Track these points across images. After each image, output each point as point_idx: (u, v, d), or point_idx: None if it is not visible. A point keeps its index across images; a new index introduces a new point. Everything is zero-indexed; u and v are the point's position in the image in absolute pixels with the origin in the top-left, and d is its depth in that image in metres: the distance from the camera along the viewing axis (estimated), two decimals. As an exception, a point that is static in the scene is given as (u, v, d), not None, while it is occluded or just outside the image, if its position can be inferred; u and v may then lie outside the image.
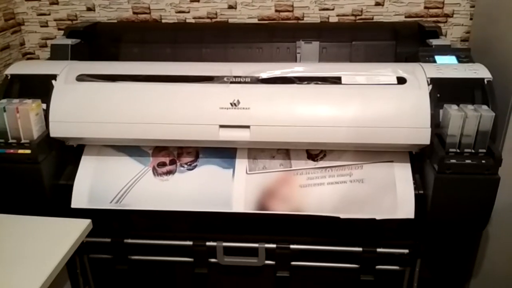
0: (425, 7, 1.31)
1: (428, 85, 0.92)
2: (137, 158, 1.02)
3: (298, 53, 1.20)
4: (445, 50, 1.05)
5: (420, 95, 0.91)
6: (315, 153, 1.00)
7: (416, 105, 0.90)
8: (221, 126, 0.94)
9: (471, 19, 1.31)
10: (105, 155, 1.03)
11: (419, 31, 1.18)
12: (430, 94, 0.91)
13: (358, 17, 1.35)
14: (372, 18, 1.34)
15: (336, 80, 0.96)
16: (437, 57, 1.03)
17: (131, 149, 1.03)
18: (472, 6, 1.29)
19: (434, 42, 1.09)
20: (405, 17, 1.33)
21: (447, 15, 1.32)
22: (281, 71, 0.98)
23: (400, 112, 0.91)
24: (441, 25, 1.31)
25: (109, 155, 1.03)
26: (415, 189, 0.95)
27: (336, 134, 0.92)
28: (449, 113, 0.88)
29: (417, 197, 0.94)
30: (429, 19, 1.32)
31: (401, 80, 0.94)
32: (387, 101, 0.92)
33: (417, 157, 0.97)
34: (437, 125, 0.91)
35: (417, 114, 0.90)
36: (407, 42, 1.17)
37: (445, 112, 0.90)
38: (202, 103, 0.95)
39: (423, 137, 0.90)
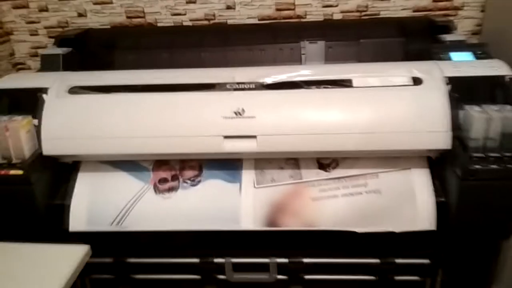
0: (434, 0, 1.25)
1: (446, 85, 0.86)
2: (136, 174, 0.96)
3: (303, 54, 1.13)
4: (460, 46, 0.99)
5: (438, 96, 0.85)
6: (326, 162, 0.93)
7: (435, 107, 0.84)
8: (226, 137, 0.87)
9: (482, 11, 1.24)
10: (102, 172, 0.97)
11: (430, 26, 1.11)
12: (449, 94, 0.85)
13: (363, 13, 1.28)
14: (379, 14, 1.27)
15: (347, 83, 0.89)
16: (452, 54, 0.96)
17: (130, 164, 0.96)
18: (483, -3, 1.23)
19: (448, 37, 1.03)
20: (413, 11, 1.27)
21: (457, 8, 1.25)
22: (287, 75, 0.92)
23: (417, 115, 0.84)
24: (451, 18, 1.24)
25: (107, 171, 0.97)
26: (435, 196, 0.89)
27: (349, 141, 0.86)
28: (471, 115, 0.82)
29: (438, 205, 0.88)
30: (438, 12, 1.25)
31: (417, 81, 0.88)
32: (402, 104, 0.85)
33: (436, 162, 0.91)
34: (457, 128, 0.84)
35: (436, 116, 0.84)
36: (417, 38, 1.11)
37: (466, 114, 0.84)
38: (204, 113, 0.89)
39: (443, 141, 0.84)
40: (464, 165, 0.81)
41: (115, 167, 0.97)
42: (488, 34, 1.18)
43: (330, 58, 1.14)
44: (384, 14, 1.27)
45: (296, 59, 1.15)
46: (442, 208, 0.88)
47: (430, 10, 1.25)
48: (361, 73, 0.91)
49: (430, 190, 0.89)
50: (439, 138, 0.84)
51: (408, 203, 0.89)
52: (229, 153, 0.88)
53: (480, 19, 1.25)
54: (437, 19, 1.11)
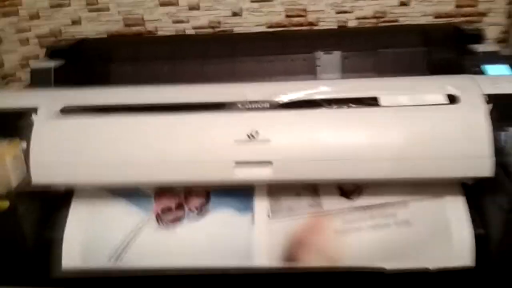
0: (457, 6, 1.16)
1: (486, 103, 0.76)
2: (137, 202, 0.86)
3: (318, 66, 1.04)
4: (495, 58, 0.89)
5: (478, 117, 0.75)
6: (349, 189, 0.84)
7: (475, 129, 0.74)
8: (237, 163, 0.77)
9: (509, 17, 1.15)
10: (98, 200, 0.87)
11: (456, 34, 1.02)
12: (490, 114, 0.75)
13: (380, 20, 1.18)
14: (397, 21, 1.18)
15: (372, 102, 0.80)
16: (486, 67, 0.87)
17: (130, 191, 0.86)
18: (510, 3, 1.14)
19: (479, 48, 0.93)
20: (434, 17, 1.17)
21: (481, 14, 1.16)
22: (305, 92, 0.82)
23: (455, 138, 0.75)
24: (476, 25, 1.15)
25: (104, 199, 0.87)
26: (473, 228, 0.79)
27: (378, 169, 0.76)
28: (517, 139, 0.72)
29: (477, 238, 0.78)
30: (461, 19, 1.16)
31: (452, 99, 0.78)
32: (438, 126, 0.76)
33: (472, 188, 0.81)
34: (499, 152, 0.75)
35: (476, 140, 0.74)
36: (442, 48, 1.01)
37: (511, 137, 0.74)
38: (213, 136, 0.79)
39: (484, 168, 0.74)
40: (510, 195, 0.72)
41: (113, 194, 0.87)
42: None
43: (346, 69, 1.04)
44: (403, 21, 1.18)
45: (310, 72, 1.05)
46: (481, 242, 0.78)
47: (452, 16, 1.16)
48: (388, 90, 0.81)
49: (467, 221, 0.80)
50: (481, 165, 0.74)
51: (443, 236, 0.79)
52: (241, 180, 0.78)
53: (507, 26, 1.16)
54: (464, 27, 1.01)
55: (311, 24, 1.20)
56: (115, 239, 0.83)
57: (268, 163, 0.77)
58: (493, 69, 0.86)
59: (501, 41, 1.18)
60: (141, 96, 0.87)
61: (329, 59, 1.04)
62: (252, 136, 0.77)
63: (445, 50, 1.01)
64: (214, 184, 0.83)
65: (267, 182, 0.82)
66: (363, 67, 1.04)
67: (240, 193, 0.85)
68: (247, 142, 0.77)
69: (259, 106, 0.80)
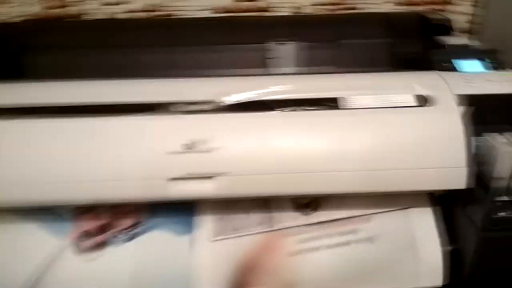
0: (420, -8, 1.06)
1: (458, 105, 0.67)
2: (51, 226, 0.70)
3: (269, 58, 0.91)
4: (466, 52, 0.80)
5: (451, 122, 0.65)
6: (305, 202, 0.72)
7: (447, 136, 0.64)
8: (171, 179, 0.64)
9: (473, 5, 1.07)
10: (5, 223, 0.71)
11: (422, 24, 0.92)
12: (463, 118, 0.65)
13: (338, 6, 1.07)
14: (355, 8, 1.07)
15: (332, 104, 0.68)
16: (456, 63, 0.77)
17: (43, 212, 0.71)
18: (476, -10, 1.05)
19: (448, 40, 0.84)
20: (395, 4, 1.07)
21: (446, 2, 1.07)
22: (254, 92, 0.69)
23: (426, 146, 0.64)
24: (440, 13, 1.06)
25: (11, 223, 0.71)
26: (442, 244, 0.70)
27: (338, 182, 0.65)
28: (494, 147, 0.63)
29: (446, 255, 0.69)
30: (425, 7, 1.07)
31: (422, 100, 0.68)
32: (406, 132, 0.65)
33: (442, 200, 0.72)
34: (474, 162, 0.65)
35: (450, 148, 0.64)
36: (407, 39, 0.91)
37: (487, 146, 0.65)
38: (141, 146, 0.64)
39: (458, 179, 0.65)
40: (486, 212, 0.63)
41: (22, 217, 0.71)
42: (484, 33, 1.01)
43: (302, 62, 0.92)
44: (361, 8, 1.07)
45: (260, 64, 0.92)
46: (451, 260, 0.69)
47: (416, 4, 1.06)
48: (349, 89, 0.70)
49: (435, 236, 0.71)
50: (454, 176, 0.64)
51: (410, 254, 0.70)
52: (177, 198, 0.65)
53: (471, 15, 1.07)
54: (430, 16, 0.91)
55: (261, 9, 1.07)
56: (23, 273, 0.68)
57: (209, 178, 0.64)
58: (465, 65, 0.76)
59: (466, 31, 1.09)
60: (55, 95, 0.71)
61: (283, 50, 0.92)
62: (189, 146, 0.64)
63: (411, 42, 0.90)
64: (143, 201, 0.68)
65: (207, 200, 0.69)
66: (321, 60, 0.92)
67: (178, 211, 0.72)
68: (183, 154, 0.63)
69: (198, 108, 0.67)
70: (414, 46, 0.88)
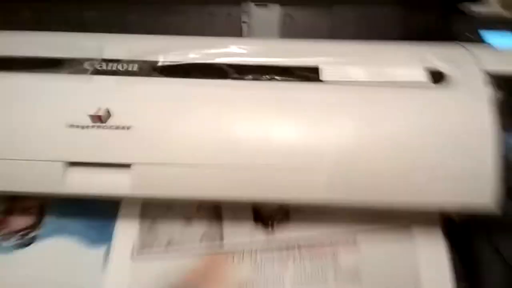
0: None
1: (486, 87, 0.47)
2: None
3: (245, 22, 0.71)
4: (498, 23, 0.60)
5: (475, 108, 0.45)
6: (267, 212, 0.53)
7: (468, 129, 0.45)
8: (71, 164, 0.45)
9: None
10: None
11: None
12: (493, 105, 0.46)
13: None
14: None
15: (311, 74, 0.48)
16: (485, 34, 0.58)
17: None
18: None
19: (477, 8, 0.64)
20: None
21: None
22: (203, 51, 0.50)
23: (435, 143, 0.45)
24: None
25: None
26: (454, 280, 0.50)
27: (312, 187, 0.45)
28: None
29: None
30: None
31: (437, 77, 0.48)
32: (410, 120, 0.45)
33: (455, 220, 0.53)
34: (506, 170, 0.45)
35: (471, 147, 0.44)
36: (423, 7, 0.71)
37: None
38: (32, 115, 0.45)
39: (482, 197, 0.45)
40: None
41: None
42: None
43: (287, 31, 0.72)
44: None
45: (235, 31, 0.73)
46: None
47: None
48: (336, 56, 0.50)
49: (446, 271, 0.51)
50: (477, 191, 0.44)
51: (408, 294, 0.50)
52: (75, 194, 0.46)
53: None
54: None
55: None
56: None
57: (125, 166, 0.45)
58: (496, 38, 0.56)
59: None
60: None
61: (263, 14, 0.72)
62: (100, 118, 0.45)
63: (427, 10, 0.70)
64: (35, 195, 0.49)
65: (121, 198, 0.50)
66: (312, 29, 0.72)
67: (94, 212, 0.53)
68: (90, 129, 0.44)
69: (119, 68, 0.48)
70: (433, 14, 0.68)
